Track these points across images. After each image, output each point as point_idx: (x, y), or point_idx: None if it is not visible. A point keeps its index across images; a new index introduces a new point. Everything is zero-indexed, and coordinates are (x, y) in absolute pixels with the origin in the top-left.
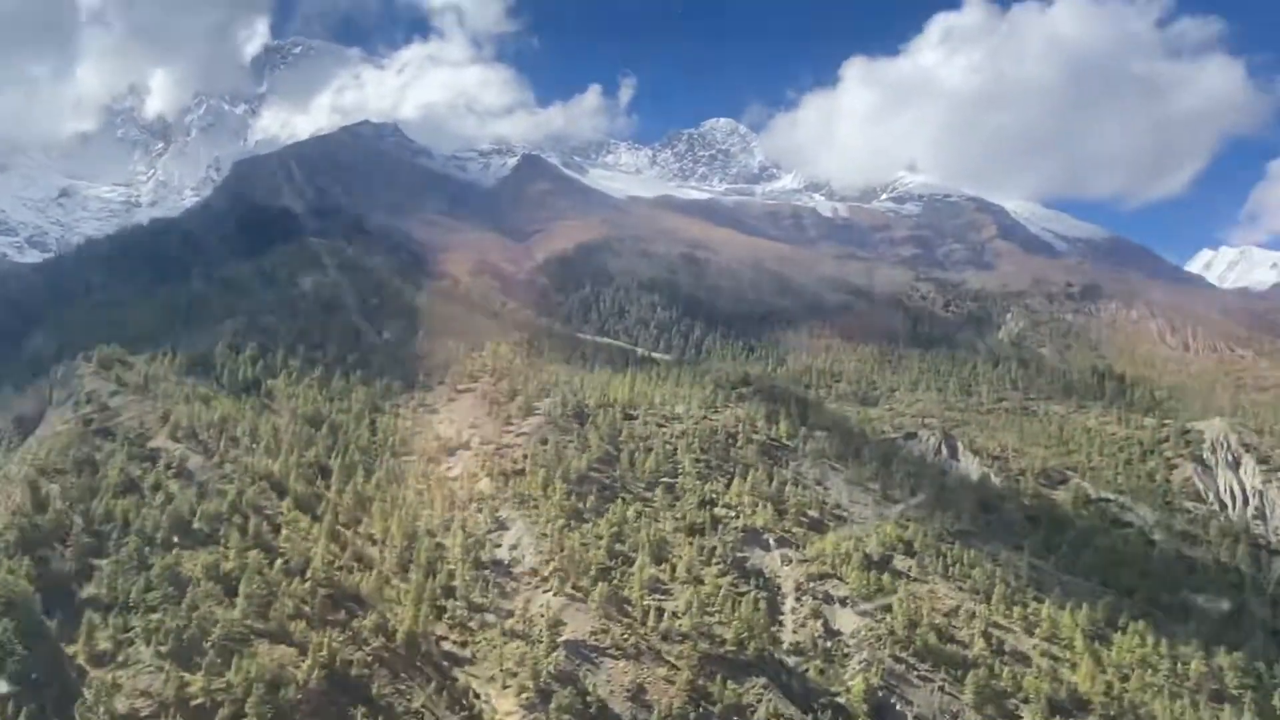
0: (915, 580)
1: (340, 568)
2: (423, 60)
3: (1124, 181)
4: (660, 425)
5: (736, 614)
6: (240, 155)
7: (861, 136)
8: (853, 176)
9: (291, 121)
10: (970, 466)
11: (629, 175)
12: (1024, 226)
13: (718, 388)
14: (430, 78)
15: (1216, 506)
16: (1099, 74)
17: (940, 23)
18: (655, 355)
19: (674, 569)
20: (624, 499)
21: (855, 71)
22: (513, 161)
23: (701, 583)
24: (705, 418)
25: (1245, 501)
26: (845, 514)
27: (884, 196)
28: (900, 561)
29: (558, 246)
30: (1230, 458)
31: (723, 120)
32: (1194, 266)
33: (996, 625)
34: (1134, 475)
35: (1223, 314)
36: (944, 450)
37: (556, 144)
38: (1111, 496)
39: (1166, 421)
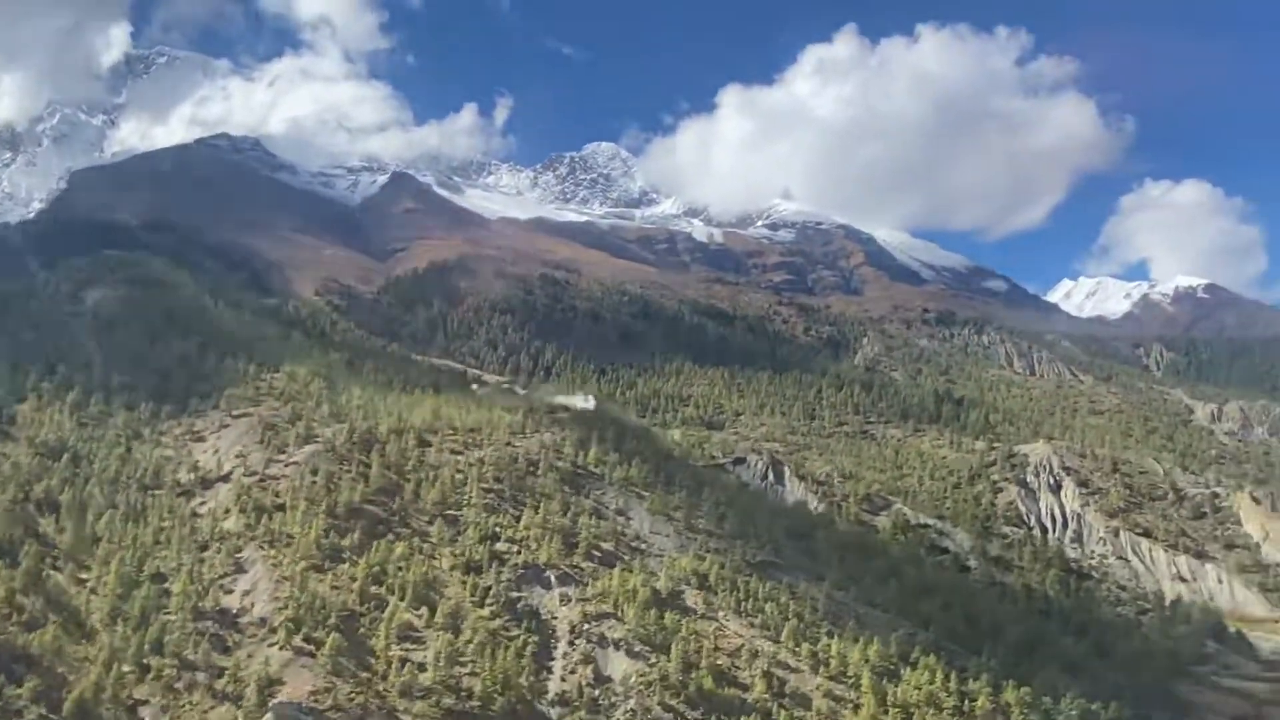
0: (703, 617)
1: (19, 623)
2: (294, 74)
3: (986, 213)
4: (455, 453)
5: (492, 663)
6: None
7: (738, 163)
8: (729, 203)
9: (151, 133)
10: (795, 492)
11: (508, 196)
12: (892, 255)
13: (530, 412)
14: (301, 92)
15: (1037, 530)
16: (962, 109)
17: (813, 54)
18: (486, 378)
19: (433, 613)
20: (396, 534)
21: (732, 99)
22: (383, 179)
23: (458, 630)
24: (508, 444)
25: (1065, 524)
26: (644, 546)
27: (760, 223)
28: (691, 596)
29: (411, 265)
30: (1052, 480)
31: (604, 144)
32: (1054, 296)
33: (782, 664)
34: (961, 499)
35: (1070, 340)
36: (770, 475)
37: (433, 163)
38: (931, 522)
39: (996, 445)
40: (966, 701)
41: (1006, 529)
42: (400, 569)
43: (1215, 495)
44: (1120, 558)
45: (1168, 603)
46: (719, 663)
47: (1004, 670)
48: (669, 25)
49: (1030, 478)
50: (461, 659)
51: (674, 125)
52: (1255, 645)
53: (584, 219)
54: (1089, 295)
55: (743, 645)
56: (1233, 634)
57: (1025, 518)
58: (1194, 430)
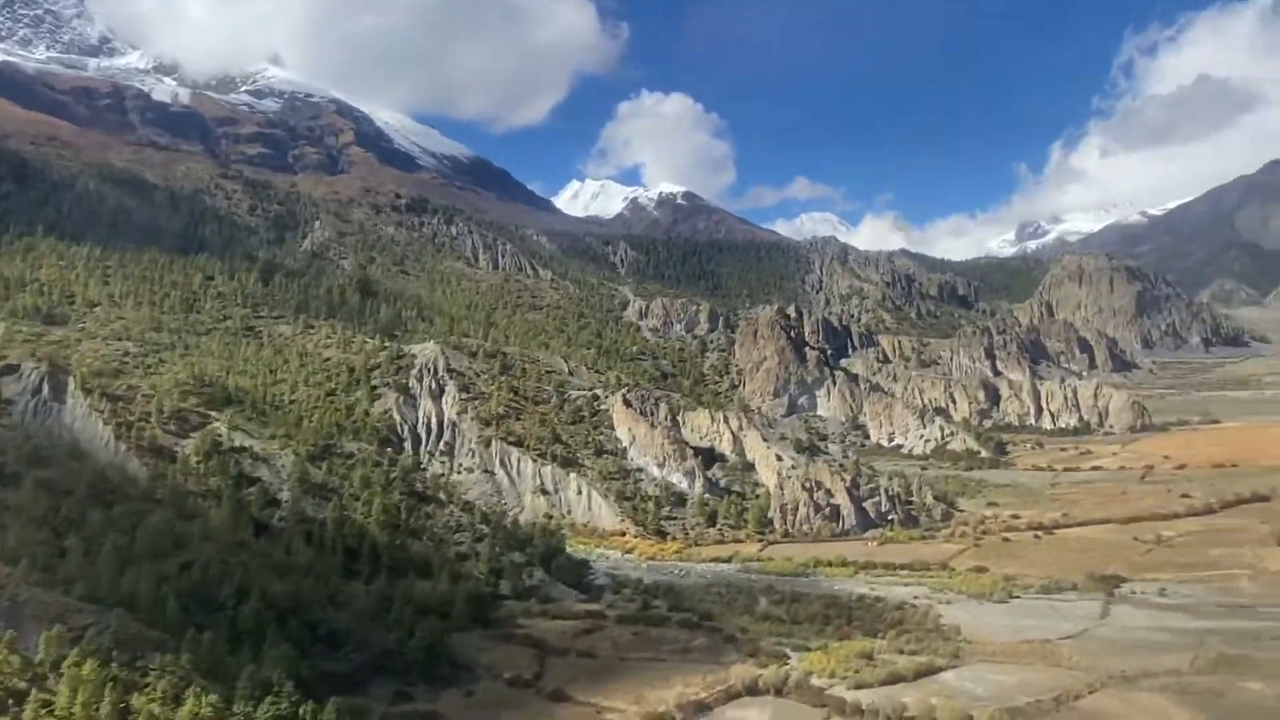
0: None
1: None
2: None
3: (490, 104)
4: None
5: None
6: None
7: (216, 17)
8: (207, 62)
9: None
10: (78, 411)
11: None
12: (390, 137)
13: None
14: None
15: (410, 444)
16: None
17: None
18: None
19: None
20: None
21: None
22: None
23: None
24: None
25: (440, 435)
26: None
27: (243, 88)
28: None
29: None
30: (435, 385)
31: None
32: (564, 196)
33: None
34: (335, 408)
35: (549, 237)
36: (46, 389)
37: None
38: (249, 444)
39: (388, 345)
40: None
41: (353, 446)
42: None
43: (596, 397)
44: (488, 471)
45: (511, 522)
46: None
47: (205, 664)
48: None
49: (413, 382)
50: None
51: None
52: (591, 568)
53: (9, 60)
54: (594, 196)
55: None
56: (567, 558)
57: (399, 429)
58: (624, 326)
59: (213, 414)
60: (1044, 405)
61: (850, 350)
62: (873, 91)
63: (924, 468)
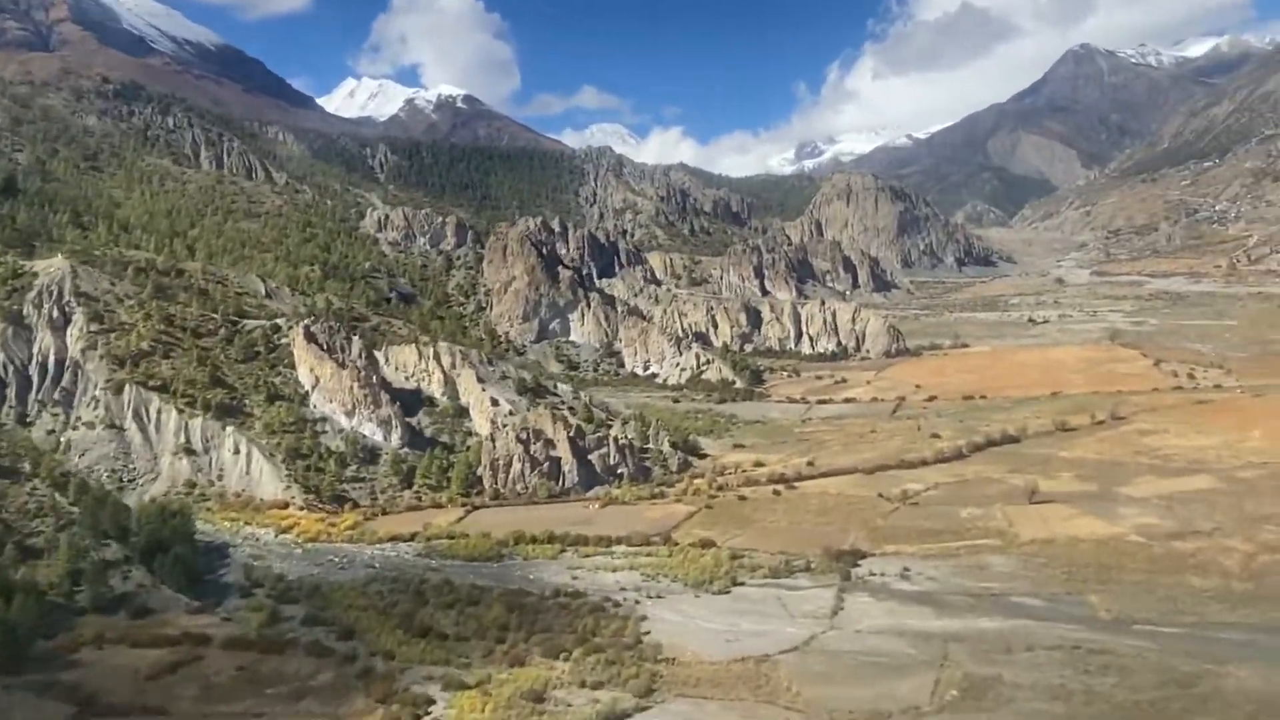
0: None
1: None
2: None
3: None
4: None
5: None
6: None
7: None
8: None
9: None
10: None
11: None
12: (118, 15)
13: None
14: None
15: (14, 389)
16: None
17: None
18: None
19: None
20: None
21: None
22: None
23: None
24: None
25: (57, 379)
26: None
27: None
28: None
29: None
30: (59, 314)
31: None
32: (338, 96)
33: None
34: None
35: (295, 133)
36: None
37: None
38: None
39: (26, 262)
40: None
41: None
42: None
43: (276, 329)
44: (115, 426)
45: (126, 497)
46: None
47: None
48: None
49: (29, 309)
50: None
51: None
52: (229, 557)
53: None
54: (372, 97)
55: None
56: (188, 549)
57: (3, 371)
58: (359, 239)
59: None
60: (804, 329)
61: (617, 268)
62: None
63: (676, 400)
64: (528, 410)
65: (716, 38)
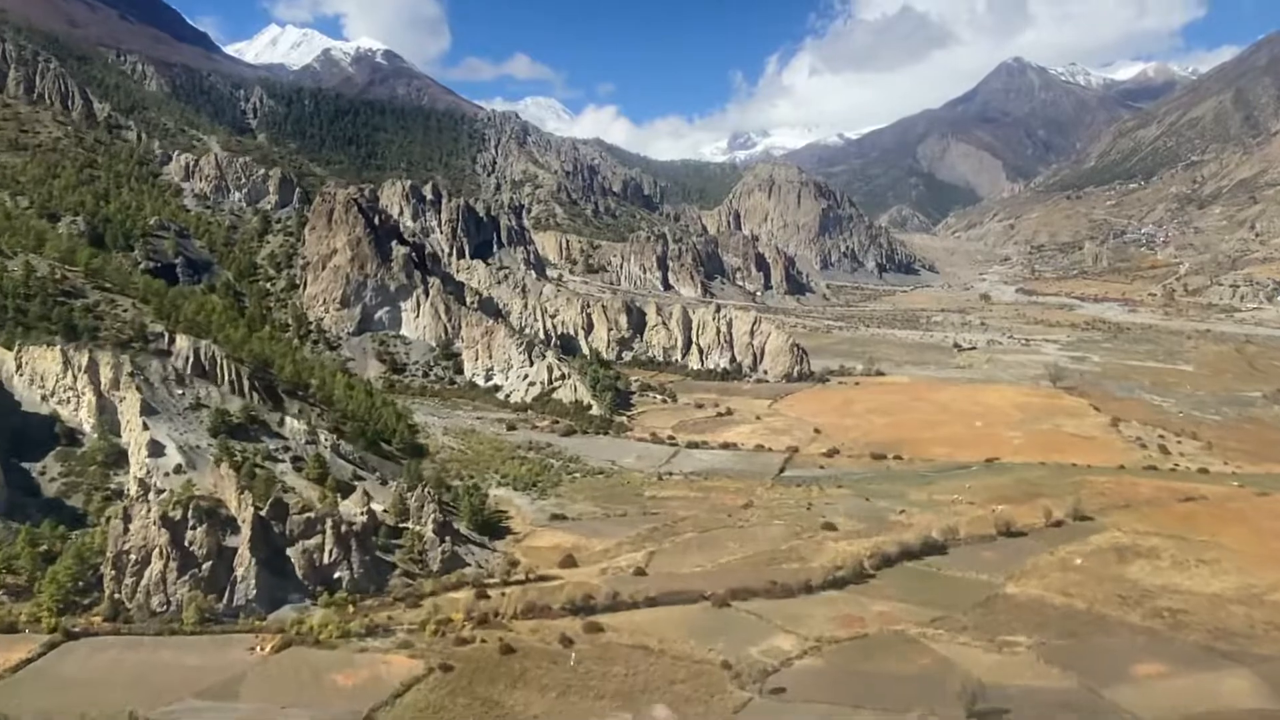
0: None
1: None
2: None
3: None
4: None
5: None
6: None
7: None
8: None
9: None
10: None
11: None
12: None
13: None
14: None
15: None
16: None
17: None
18: None
19: None
20: None
21: None
22: None
23: None
24: None
25: None
26: None
27: None
28: None
29: None
30: None
31: None
32: (259, 42)
33: None
34: None
35: (158, 67)
36: None
37: None
38: None
39: None
40: None
41: None
42: None
43: None
44: None
45: None
46: None
47: None
48: None
49: None
50: None
51: None
52: None
53: None
54: (295, 46)
55: None
56: None
57: None
58: (157, 187)
59: None
60: (694, 337)
61: (496, 248)
62: None
63: (512, 426)
64: (212, 466)
65: (656, 16)
